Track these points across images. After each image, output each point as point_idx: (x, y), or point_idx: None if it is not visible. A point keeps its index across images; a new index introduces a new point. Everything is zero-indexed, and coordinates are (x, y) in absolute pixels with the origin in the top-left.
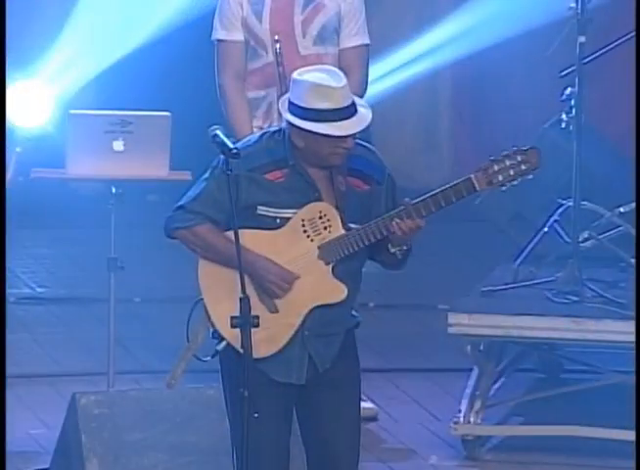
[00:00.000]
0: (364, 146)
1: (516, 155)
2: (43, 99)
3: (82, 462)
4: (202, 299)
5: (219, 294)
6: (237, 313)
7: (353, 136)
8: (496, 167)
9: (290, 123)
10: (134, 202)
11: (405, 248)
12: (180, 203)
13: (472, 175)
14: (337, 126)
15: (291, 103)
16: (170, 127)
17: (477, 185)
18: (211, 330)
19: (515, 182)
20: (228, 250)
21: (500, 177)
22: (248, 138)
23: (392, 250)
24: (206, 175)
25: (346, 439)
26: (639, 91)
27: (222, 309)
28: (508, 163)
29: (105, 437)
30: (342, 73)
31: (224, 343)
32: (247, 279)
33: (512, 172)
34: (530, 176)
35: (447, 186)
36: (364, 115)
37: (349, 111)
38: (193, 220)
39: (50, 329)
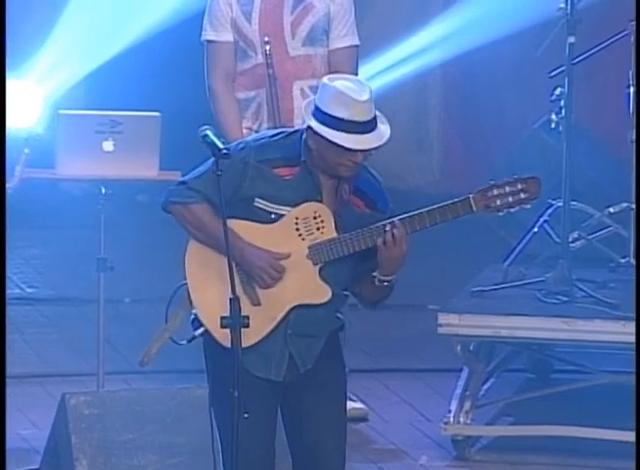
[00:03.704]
0: (373, 174)
1: (517, 182)
2: (33, 99)
3: (72, 463)
4: (185, 283)
5: (205, 280)
6: (225, 306)
7: (365, 152)
8: (495, 192)
9: (308, 125)
10: (124, 202)
11: (389, 279)
12: (183, 179)
13: (470, 196)
14: (350, 138)
15: (315, 106)
16: (160, 128)
17: (474, 206)
18: (192, 316)
19: (512, 210)
20: (220, 233)
21: (498, 202)
22: (264, 132)
23: (374, 274)
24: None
25: (332, 441)
26: (639, 92)
27: (206, 296)
28: (508, 189)
29: (94, 437)
30: (369, 88)
31: (202, 329)
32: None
33: (510, 199)
34: (529, 206)
35: (445, 203)
36: (382, 132)
37: (368, 126)
38: (192, 198)
39: (40, 329)
